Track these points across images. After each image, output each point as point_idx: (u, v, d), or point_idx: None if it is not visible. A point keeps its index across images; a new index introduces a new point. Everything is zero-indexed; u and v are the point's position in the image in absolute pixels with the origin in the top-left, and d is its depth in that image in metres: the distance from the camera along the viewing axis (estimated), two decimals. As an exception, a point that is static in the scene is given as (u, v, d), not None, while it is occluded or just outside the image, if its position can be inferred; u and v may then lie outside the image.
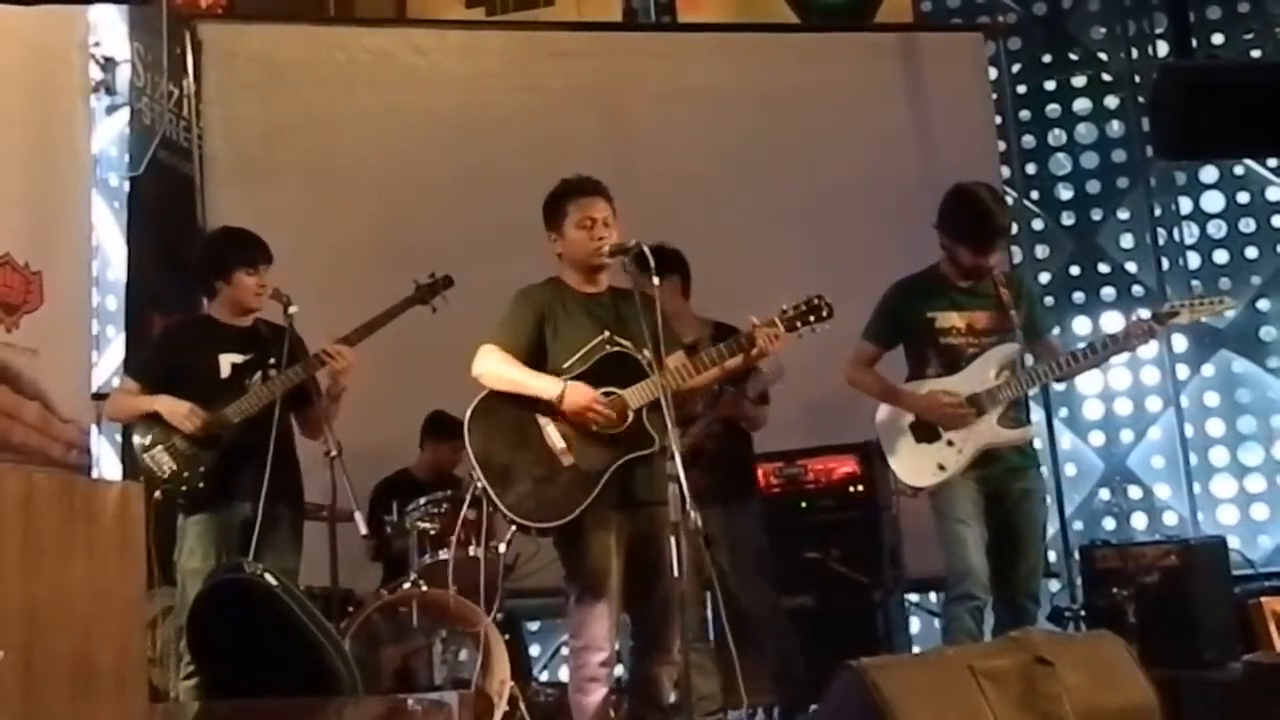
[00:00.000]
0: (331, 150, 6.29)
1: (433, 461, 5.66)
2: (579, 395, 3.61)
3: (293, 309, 4.19)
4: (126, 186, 6.23)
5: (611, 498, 3.61)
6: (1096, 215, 7.71)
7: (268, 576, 3.49)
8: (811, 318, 3.73)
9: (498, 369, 3.69)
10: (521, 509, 3.60)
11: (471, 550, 4.47)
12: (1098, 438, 7.50)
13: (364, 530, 4.13)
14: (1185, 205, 7.58)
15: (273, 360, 4.20)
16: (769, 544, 4.85)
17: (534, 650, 6.63)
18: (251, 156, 6.20)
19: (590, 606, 3.60)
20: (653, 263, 3.53)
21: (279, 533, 4.15)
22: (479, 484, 3.64)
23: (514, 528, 3.78)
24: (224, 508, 4.12)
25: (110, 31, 6.09)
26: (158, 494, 4.07)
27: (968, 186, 4.19)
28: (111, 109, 6.16)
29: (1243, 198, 7.47)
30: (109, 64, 6.06)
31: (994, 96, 6.91)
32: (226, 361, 4.24)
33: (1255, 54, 7.48)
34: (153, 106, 6.28)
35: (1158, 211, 7.58)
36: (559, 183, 3.85)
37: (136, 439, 4.20)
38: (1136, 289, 7.53)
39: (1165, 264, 7.48)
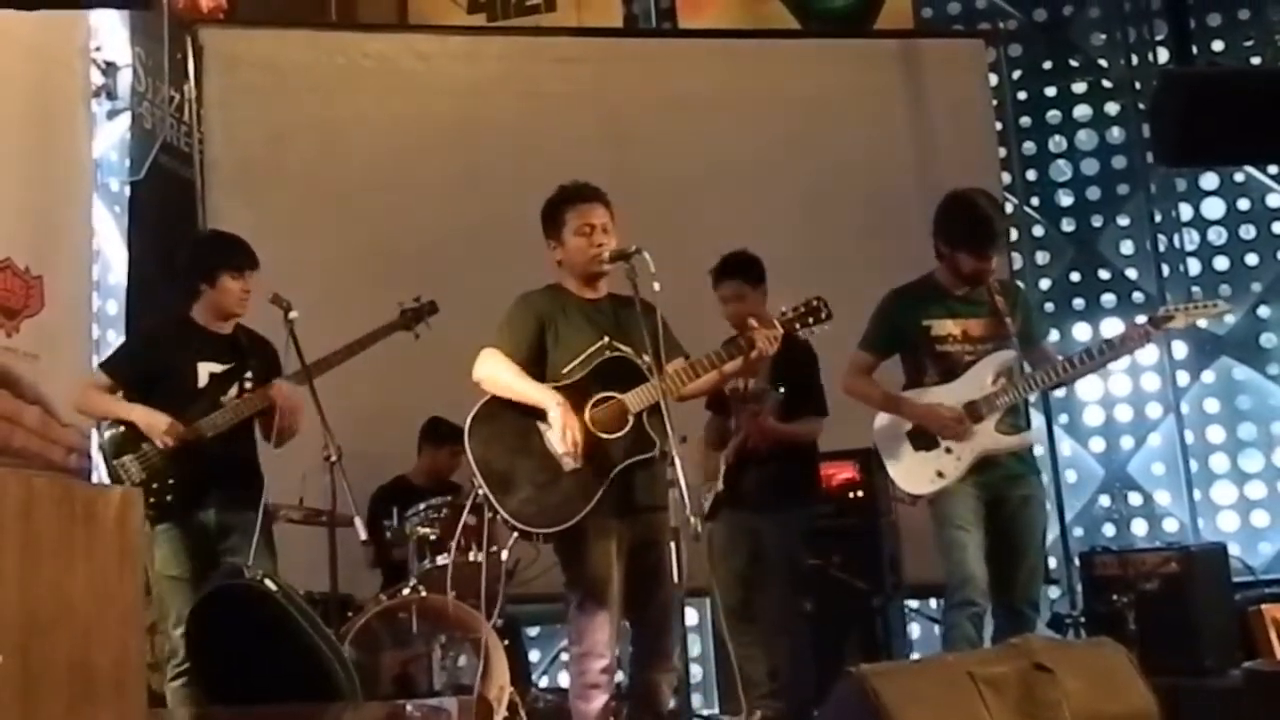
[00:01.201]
0: (332, 155, 6.29)
1: (430, 467, 5.66)
2: (565, 420, 3.59)
3: (293, 314, 4.17)
4: (127, 191, 6.23)
5: (612, 503, 3.61)
6: (1097, 221, 7.71)
7: (268, 581, 3.49)
8: (811, 319, 3.73)
9: (497, 374, 3.69)
10: (523, 515, 3.60)
11: (471, 556, 4.47)
12: (1098, 444, 7.50)
13: (363, 535, 4.13)
14: (1186, 212, 7.59)
15: (249, 373, 4.20)
16: (802, 553, 4.81)
17: (533, 656, 6.62)
18: (252, 161, 6.20)
19: (591, 613, 3.60)
20: (653, 268, 3.53)
21: (248, 542, 4.15)
22: (480, 490, 3.63)
23: (515, 534, 3.77)
24: (189, 517, 4.15)
25: (111, 36, 6.09)
26: None
27: (963, 193, 4.20)
28: (113, 114, 6.16)
29: (1243, 204, 7.48)
30: (110, 69, 6.06)
31: (994, 103, 6.91)
32: (205, 370, 4.25)
33: (1255, 61, 7.48)
34: (154, 111, 6.28)
35: (1158, 218, 7.59)
36: (556, 190, 3.85)
37: (105, 444, 4.19)
38: (1137, 295, 7.53)
39: (1165, 270, 7.49)
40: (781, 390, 4.57)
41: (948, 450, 4.05)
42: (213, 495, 4.15)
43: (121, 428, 4.19)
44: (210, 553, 4.12)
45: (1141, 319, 4.17)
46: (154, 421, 4.12)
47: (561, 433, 3.58)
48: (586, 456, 3.60)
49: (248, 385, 4.21)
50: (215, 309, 4.31)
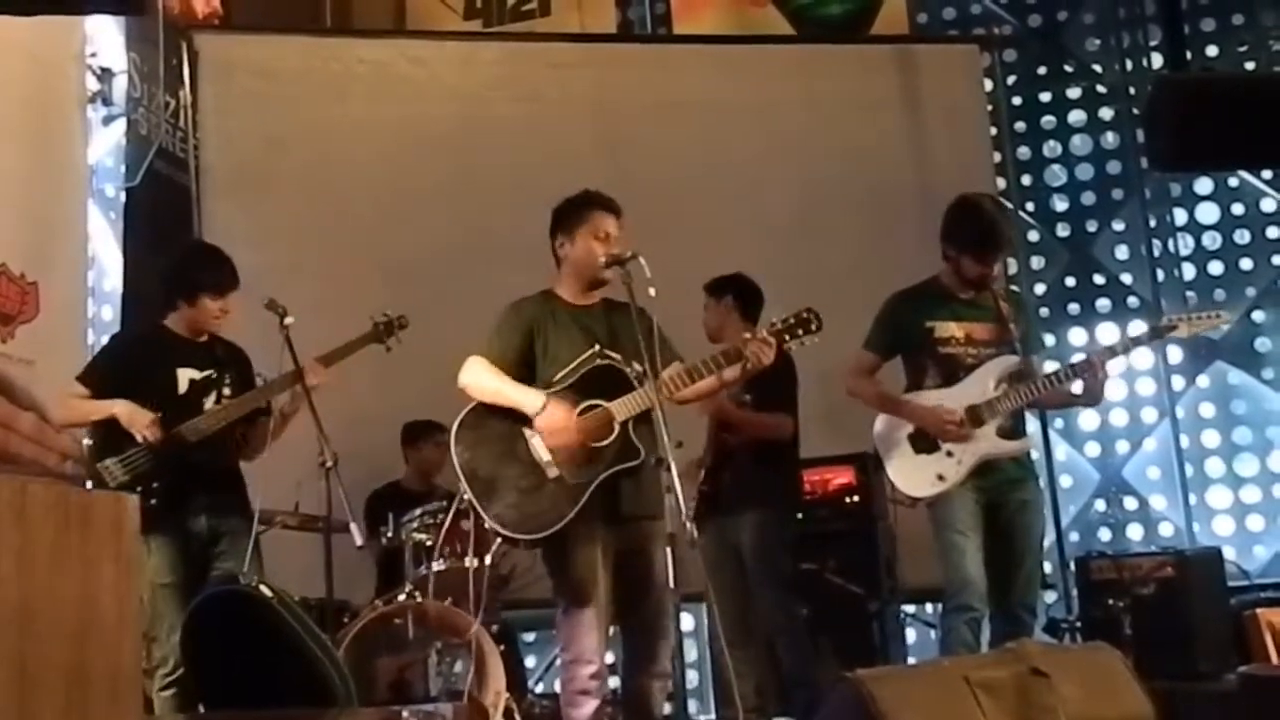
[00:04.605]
0: (328, 161, 6.29)
1: (418, 468, 5.68)
2: (556, 416, 3.60)
3: (289, 320, 4.18)
4: (123, 197, 6.22)
5: (598, 511, 3.60)
6: (1091, 227, 7.72)
7: (263, 588, 3.48)
8: (800, 330, 3.72)
9: (482, 380, 3.69)
10: (506, 520, 3.59)
11: (467, 562, 4.47)
12: (1093, 449, 7.50)
13: (359, 541, 4.12)
14: (1180, 217, 7.60)
15: (228, 381, 4.19)
16: (783, 554, 4.82)
17: (530, 662, 6.61)
18: (248, 167, 6.20)
19: (578, 619, 3.59)
20: (649, 273, 3.53)
21: (238, 547, 4.17)
22: (464, 495, 3.64)
23: (500, 540, 3.77)
24: (179, 524, 4.11)
25: (107, 42, 6.09)
26: None
27: (972, 198, 4.21)
28: (108, 120, 6.16)
29: (1237, 209, 7.49)
30: (105, 74, 6.05)
31: (989, 108, 6.93)
32: (184, 376, 4.23)
33: (1249, 66, 7.50)
34: (149, 117, 6.28)
35: (1153, 223, 7.60)
36: (582, 191, 3.82)
37: (86, 448, 4.09)
38: (1131, 300, 7.54)
39: (1160, 275, 7.50)
40: (748, 397, 4.65)
41: (948, 454, 4.05)
42: (200, 501, 4.13)
43: (101, 431, 4.11)
44: (202, 559, 4.11)
45: (1140, 325, 4.17)
46: (137, 416, 4.07)
47: (559, 429, 3.57)
48: (572, 463, 3.59)
49: (226, 393, 4.20)
50: (190, 324, 4.31)
